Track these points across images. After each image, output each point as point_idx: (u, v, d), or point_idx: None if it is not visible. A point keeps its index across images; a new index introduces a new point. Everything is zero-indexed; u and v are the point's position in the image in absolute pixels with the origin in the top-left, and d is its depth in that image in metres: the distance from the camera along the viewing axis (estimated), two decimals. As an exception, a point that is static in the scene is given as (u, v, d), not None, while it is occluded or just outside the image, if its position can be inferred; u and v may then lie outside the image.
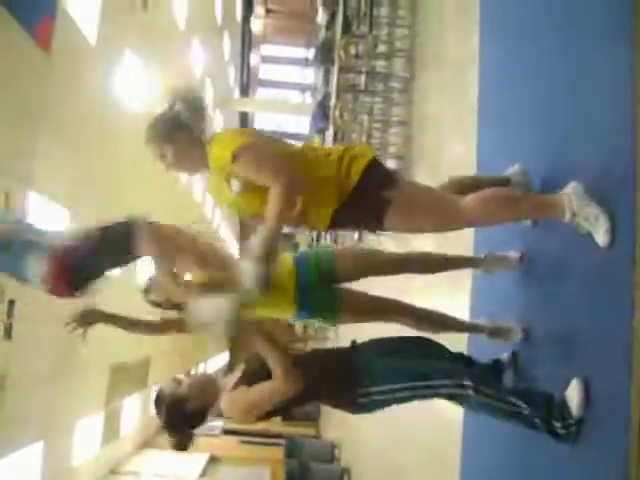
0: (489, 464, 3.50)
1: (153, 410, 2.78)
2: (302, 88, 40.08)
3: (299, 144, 2.93)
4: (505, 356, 3.12)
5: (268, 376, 2.56)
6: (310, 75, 36.40)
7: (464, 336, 3.65)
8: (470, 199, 2.63)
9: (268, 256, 2.52)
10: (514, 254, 3.22)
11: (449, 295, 4.39)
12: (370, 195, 2.65)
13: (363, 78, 9.05)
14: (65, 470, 10.47)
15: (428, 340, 3.06)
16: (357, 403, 2.69)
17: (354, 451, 10.83)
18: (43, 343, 8.70)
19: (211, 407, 2.70)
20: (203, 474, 13.94)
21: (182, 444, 2.73)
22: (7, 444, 8.12)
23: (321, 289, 3.11)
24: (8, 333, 7.70)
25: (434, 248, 3.68)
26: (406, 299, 3.28)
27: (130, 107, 12.58)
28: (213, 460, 15.20)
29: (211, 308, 2.43)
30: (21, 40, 7.71)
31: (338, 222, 2.76)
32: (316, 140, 14.96)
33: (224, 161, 2.59)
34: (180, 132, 2.75)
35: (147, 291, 3.25)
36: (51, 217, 8.99)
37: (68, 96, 9.16)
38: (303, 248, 10.61)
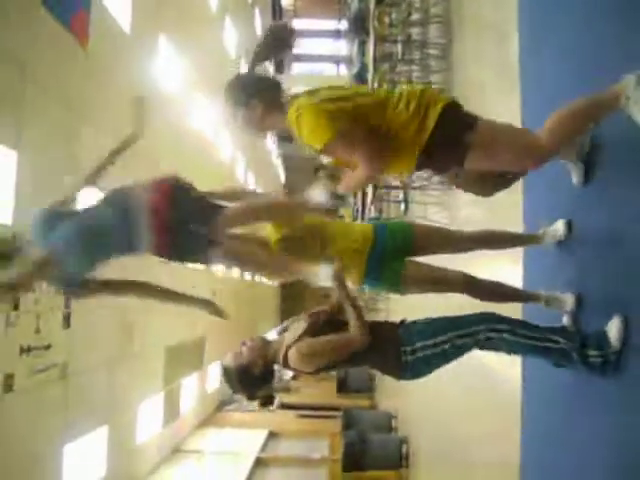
0: (550, 431, 3.49)
1: (225, 385, 2.96)
2: (337, 60, 39.81)
3: (376, 89, 2.99)
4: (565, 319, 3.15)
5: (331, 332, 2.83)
6: (344, 47, 36.10)
7: (519, 306, 3.65)
8: (544, 128, 2.65)
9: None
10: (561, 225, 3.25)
11: (502, 266, 4.37)
12: (449, 140, 2.69)
13: (399, 47, 8.96)
14: (130, 451, 10.75)
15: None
16: (402, 362, 2.80)
17: (411, 420, 10.86)
18: (100, 330, 8.91)
19: (274, 362, 2.90)
20: (263, 449, 14.16)
21: (266, 400, 2.99)
22: (74, 429, 8.37)
23: (391, 259, 3.23)
24: (67, 322, 7.90)
25: (484, 224, 3.68)
26: (464, 270, 3.31)
27: (168, 93, 12.68)
28: (272, 435, 15.43)
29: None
30: (59, 34, 7.81)
31: (421, 166, 2.84)
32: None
33: (313, 147, 2.72)
34: (258, 98, 2.81)
35: None
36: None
37: (108, 86, 9.26)
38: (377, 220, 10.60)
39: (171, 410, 13.27)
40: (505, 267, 4.31)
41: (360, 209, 12.04)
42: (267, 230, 3.27)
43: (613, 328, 2.62)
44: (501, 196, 3.32)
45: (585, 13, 3.14)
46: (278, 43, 2.93)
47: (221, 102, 2.90)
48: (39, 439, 7.45)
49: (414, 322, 2.95)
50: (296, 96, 2.81)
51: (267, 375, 2.92)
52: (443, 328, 2.82)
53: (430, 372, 2.88)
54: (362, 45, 12.79)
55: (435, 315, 3.00)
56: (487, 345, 2.82)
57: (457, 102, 2.77)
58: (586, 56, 3.09)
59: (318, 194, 2.85)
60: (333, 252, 3.20)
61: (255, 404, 3.04)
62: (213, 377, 17.20)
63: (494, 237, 3.40)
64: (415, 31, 9.21)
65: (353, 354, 2.80)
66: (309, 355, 2.79)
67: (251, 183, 24.29)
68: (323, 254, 3.18)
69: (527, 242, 3.51)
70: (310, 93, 2.80)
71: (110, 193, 2.99)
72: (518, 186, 3.65)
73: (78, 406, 8.40)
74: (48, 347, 7.52)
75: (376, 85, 8.28)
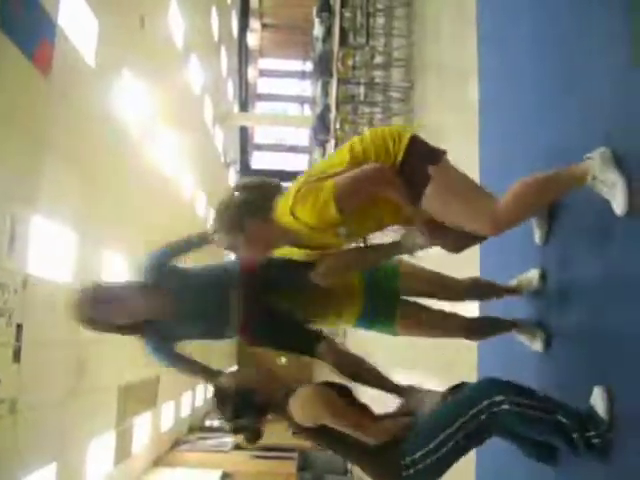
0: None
1: (215, 408, 2.70)
2: (301, 100, 40.27)
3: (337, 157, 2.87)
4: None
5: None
6: (308, 87, 36.57)
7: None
8: (505, 197, 2.54)
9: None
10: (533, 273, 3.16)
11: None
12: (415, 167, 2.57)
13: (362, 89, 9.11)
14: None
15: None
16: (402, 477, 2.43)
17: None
18: (52, 365, 8.70)
19: (275, 395, 2.64)
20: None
21: (252, 436, 2.70)
22: (21, 467, 8.11)
23: (386, 298, 3.10)
24: (17, 356, 7.70)
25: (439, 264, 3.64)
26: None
27: (131, 126, 12.64)
28: (226, 476, 15.15)
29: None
30: (21, 64, 7.76)
31: None
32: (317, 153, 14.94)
33: (329, 219, 2.52)
34: (251, 219, 2.61)
35: None
36: (58, 240, 9.02)
37: (70, 117, 9.20)
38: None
39: (123, 449, 12.96)
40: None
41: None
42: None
43: (598, 400, 2.37)
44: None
45: (547, 56, 3.21)
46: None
47: (218, 236, 2.69)
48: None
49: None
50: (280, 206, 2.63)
51: (266, 409, 2.65)
52: (445, 420, 2.42)
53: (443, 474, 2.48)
54: (325, 86, 12.96)
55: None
56: (493, 428, 2.43)
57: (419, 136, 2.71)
58: (548, 103, 3.14)
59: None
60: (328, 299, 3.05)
61: (235, 438, 2.81)
62: (167, 416, 16.88)
63: (481, 285, 3.28)
64: (378, 74, 9.37)
65: (348, 448, 2.54)
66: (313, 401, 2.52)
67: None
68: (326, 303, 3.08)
69: (510, 292, 3.28)
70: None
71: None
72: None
73: (26, 442, 8.15)
74: (-3, 382, 7.32)
75: (338, 126, 8.38)
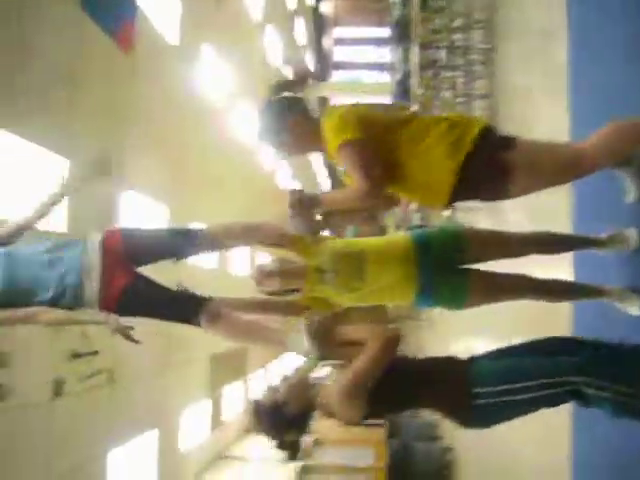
0: (603, 436, 3.41)
1: (253, 424, 2.62)
2: (377, 68, 39.78)
3: (409, 113, 2.87)
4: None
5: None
6: (385, 54, 36.06)
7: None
8: (593, 137, 2.49)
9: None
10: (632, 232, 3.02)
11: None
12: (489, 163, 2.54)
13: (443, 53, 8.91)
14: (177, 455, 10.83)
15: (538, 340, 2.71)
16: (470, 405, 2.40)
17: (456, 430, 10.73)
18: (147, 337, 8.98)
19: (312, 407, 2.56)
20: (308, 456, 14.12)
21: (291, 451, 2.61)
22: (120, 434, 8.47)
23: (444, 273, 2.94)
24: (114, 329, 7.99)
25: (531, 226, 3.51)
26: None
27: (211, 100, 12.81)
28: (317, 443, 15.38)
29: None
30: (104, 44, 7.96)
31: (457, 197, 2.65)
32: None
33: (333, 149, 2.65)
34: (290, 117, 2.76)
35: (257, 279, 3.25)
36: (150, 213, 9.28)
37: (153, 94, 9.41)
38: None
39: (216, 416, 13.35)
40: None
41: (404, 217, 11.99)
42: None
43: None
44: (547, 199, 3.17)
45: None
46: (297, 81, 2.90)
47: (260, 137, 2.85)
48: (88, 443, 7.56)
49: (486, 359, 2.56)
50: (333, 106, 2.79)
51: (301, 421, 2.56)
52: (528, 373, 2.39)
53: (500, 422, 2.48)
54: (406, 52, 12.76)
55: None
56: (569, 398, 2.40)
57: (491, 126, 2.64)
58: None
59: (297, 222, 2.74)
60: (376, 287, 2.96)
61: (278, 453, 2.61)
62: (256, 385, 17.27)
63: (554, 239, 3.09)
64: (459, 37, 9.15)
65: (404, 395, 2.46)
66: (342, 394, 2.41)
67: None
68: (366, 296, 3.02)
69: (589, 245, 3.17)
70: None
71: None
72: (564, 192, 3.57)
73: (124, 411, 8.50)
74: (96, 353, 7.62)
75: (420, 92, 8.25)
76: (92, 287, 3.06)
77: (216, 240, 3.20)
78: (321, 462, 14.34)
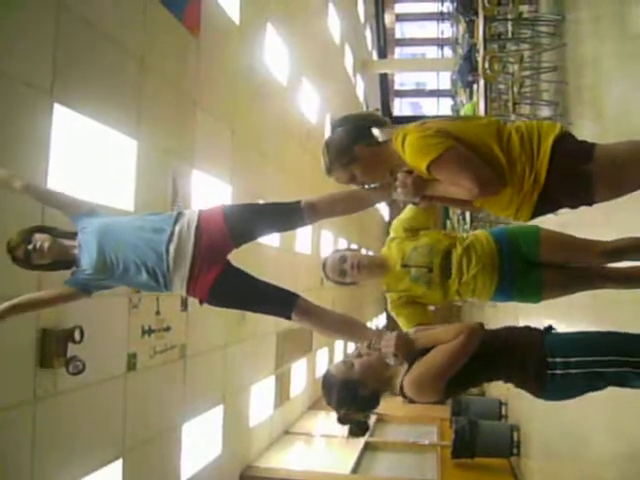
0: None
1: (323, 395, 2.64)
2: (440, 43, 39.21)
3: (483, 118, 2.77)
4: None
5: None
6: (447, 29, 35.53)
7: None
8: None
9: None
10: None
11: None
12: (568, 177, 2.42)
13: (509, 25, 8.74)
14: (243, 431, 11.04)
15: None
16: (546, 374, 2.39)
17: (522, 408, 10.65)
18: (215, 313, 9.17)
19: (386, 389, 2.58)
20: (371, 434, 14.21)
21: (358, 429, 2.63)
22: (191, 408, 8.68)
23: (524, 266, 3.00)
24: (184, 305, 8.19)
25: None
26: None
27: (275, 79, 12.87)
28: (380, 420, 15.46)
29: None
30: (172, 26, 8.08)
31: (541, 211, 2.56)
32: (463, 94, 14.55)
33: (420, 169, 2.54)
34: (358, 145, 2.66)
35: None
36: (215, 193, 9.41)
37: (218, 75, 9.52)
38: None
39: (282, 393, 13.53)
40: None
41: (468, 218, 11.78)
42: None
43: None
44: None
45: None
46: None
47: (334, 175, 2.75)
48: (160, 416, 7.79)
49: (563, 332, 2.53)
50: (402, 128, 2.63)
51: (372, 400, 2.57)
52: (615, 347, 2.36)
53: (576, 395, 2.48)
54: (470, 25, 12.52)
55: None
56: None
57: (567, 132, 2.51)
58: None
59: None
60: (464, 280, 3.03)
61: (343, 429, 2.63)
62: (321, 362, 17.41)
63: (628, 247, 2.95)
64: (525, 8, 8.95)
65: (480, 368, 2.44)
66: (422, 382, 2.40)
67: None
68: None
69: None
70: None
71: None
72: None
73: (196, 386, 8.71)
74: (168, 329, 7.82)
75: (487, 65, 8.11)
76: (183, 273, 3.05)
77: (317, 211, 3.16)
78: (385, 439, 14.42)
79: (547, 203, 2.51)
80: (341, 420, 2.60)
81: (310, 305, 3.09)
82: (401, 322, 3.20)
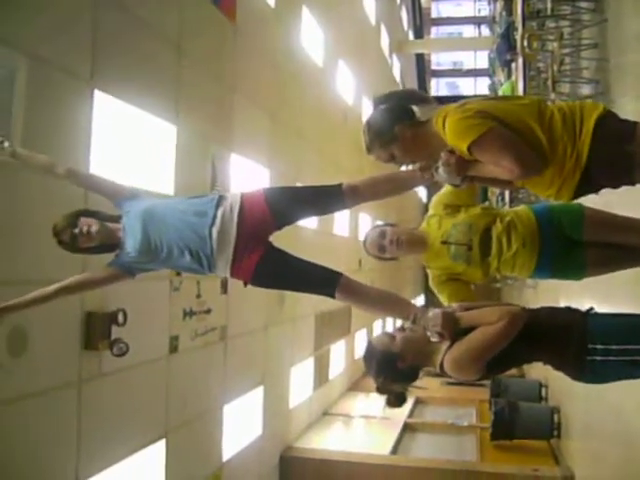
0: None
1: (364, 365, 2.71)
2: (477, 22, 38.70)
3: (524, 98, 2.73)
4: None
5: None
6: (484, 7, 35.04)
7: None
8: None
9: None
10: None
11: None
12: (610, 158, 2.41)
13: (548, 2, 8.60)
14: (283, 412, 11.16)
15: None
16: (585, 360, 2.38)
17: (563, 390, 10.57)
18: (254, 296, 9.25)
19: (426, 364, 2.60)
20: (411, 415, 14.25)
21: (396, 400, 2.66)
22: (232, 390, 8.81)
23: (566, 243, 2.98)
24: (225, 288, 8.29)
25: None
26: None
27: (311, 62, 12.85)
28: (419, 402, 15.48)
29: None
30: (209, 12, 8.12)
31: (582, 191, 2.56)
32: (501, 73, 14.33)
33: (460, 150, 2.55)
34: (398, 125, 2.64)
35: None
36: (253, 177, 9.47)
37: (254, 59, 9.54)
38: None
39: (321, 374, 13.63)
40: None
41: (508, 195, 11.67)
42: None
43: None
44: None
45: None
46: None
47: (375, 154, 2.74)
48: (202, 397, 7.92)
49: (605, 315, 2.53)
50: (443, 109, 2.61)
51: (411, 374, 2.61)
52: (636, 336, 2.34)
53: (614, 380, 2.50)
54: (508, 2, 12.33)
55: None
56: None
57: (610, 112, 2.49)
58: None
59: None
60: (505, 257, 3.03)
61: (381, 399, 2.68)
62: (360, 343, 17.47)
63: None
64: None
65: (519, 347, 2.42)
66: (463, 361, 2.44)
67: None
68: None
69: None
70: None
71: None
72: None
73: (236, 368, 8.83)
74: (208, 311, 7.93)
75: (526, 44, 8.00)
76: (227, 256, 3.08)
77: (359, 194, 3.16)
78: (423, 420, 14.44)
79: (588, 183, 2.50)
80: (379, 389, 2.65)
81: (353, 283, 3.10)
82: (443, 298, 3.21)
